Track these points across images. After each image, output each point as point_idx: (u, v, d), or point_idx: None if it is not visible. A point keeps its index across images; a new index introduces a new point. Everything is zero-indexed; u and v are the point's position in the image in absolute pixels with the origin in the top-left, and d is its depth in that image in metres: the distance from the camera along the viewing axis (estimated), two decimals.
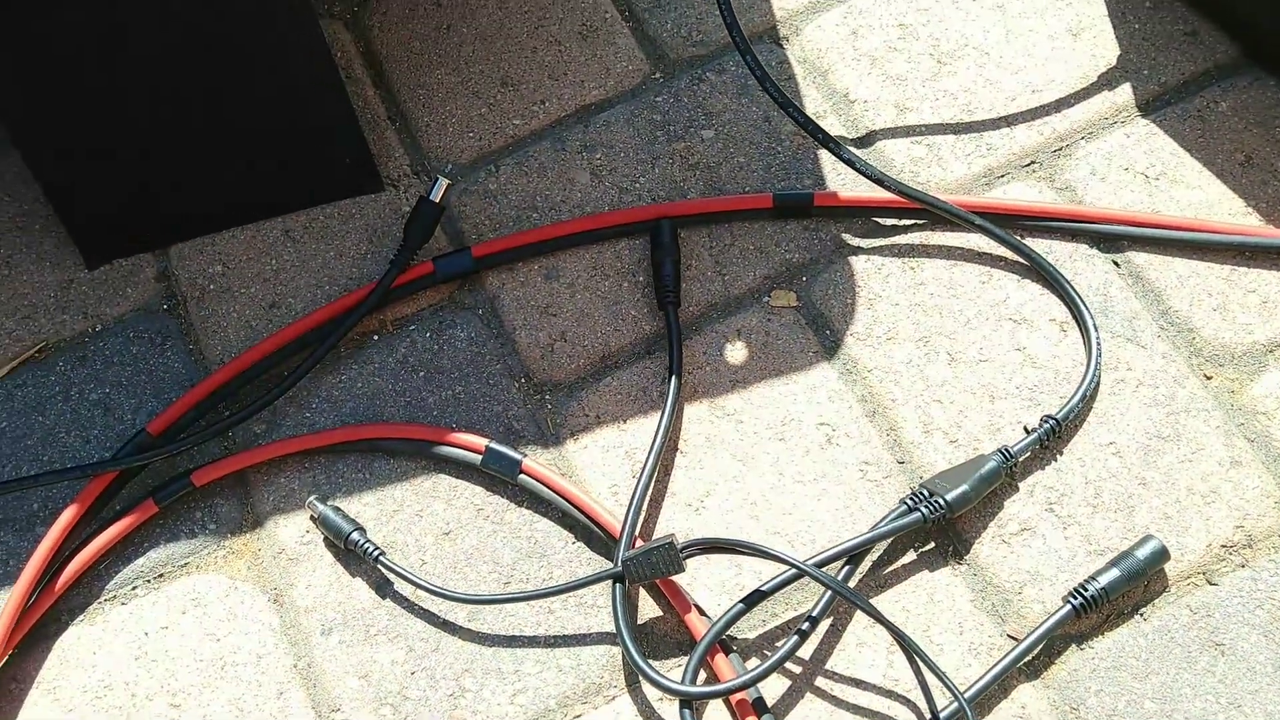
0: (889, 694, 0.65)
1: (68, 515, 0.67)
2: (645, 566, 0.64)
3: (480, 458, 0.71)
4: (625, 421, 0.74)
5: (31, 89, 0.70)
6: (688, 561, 0.65)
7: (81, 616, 0.68)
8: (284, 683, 0.66)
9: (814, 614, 0.64)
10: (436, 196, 0.77)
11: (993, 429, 0.72)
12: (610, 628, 0.67)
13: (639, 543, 0.67)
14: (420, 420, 0.73)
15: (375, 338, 0.77)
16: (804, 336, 0.76)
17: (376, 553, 0.67)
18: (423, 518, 0.71)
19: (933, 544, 0.69)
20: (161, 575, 0.69)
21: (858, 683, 0.65)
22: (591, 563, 0.69)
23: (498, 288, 0.78)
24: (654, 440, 0.70)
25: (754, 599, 0.65)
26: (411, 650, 0.67)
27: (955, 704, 0.61)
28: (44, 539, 0.67)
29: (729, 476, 0.71)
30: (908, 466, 0.71)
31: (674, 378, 0.73)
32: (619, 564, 0.65)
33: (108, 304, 0.79)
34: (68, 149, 0.74)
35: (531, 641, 0.67)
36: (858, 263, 0.78)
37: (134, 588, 0.69)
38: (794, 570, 0.64)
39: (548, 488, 0.70)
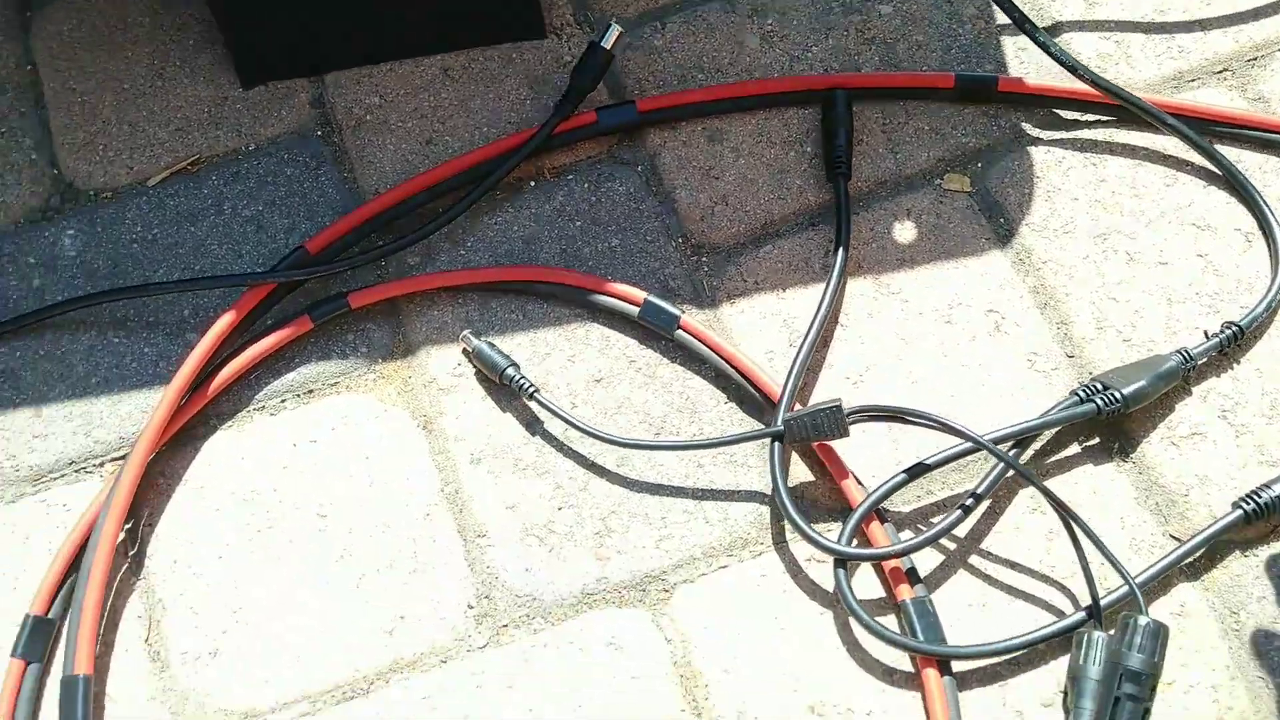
0: (1045, 578, 0.66)
1: (224, 321, 0.69)
2: (808, 427, 0.65)
3: (638, 310, 0.72)
4: (784, 290, 0.74)
5: None
6: (852, 427, 0.66)
7: (230, 422, 0.70)
8: (431, 504, 0.68)
9: (978, 491, 0.65)
10: (608, 43, 0.77)
11: (1169, 332, 0.72)
12: (759, 487, 0.68)
13: (797, 407, 0.68)
14: (574, 268, 0.74)
15: (532, 184, 0.78)
16: (976, 222, 0.76)
17: (532, 388, 0.69)
18: (574, 363, 0.72)
19: (1098, 439, 0.69)
20: (311, 391, 0.71)
21: (1013, 565, 0.66)
22: (743, 423, 0.71)
23: (659, 145, 0.79)
24: (818, 308, 0.71)
25: (916, 470, 0.66)
26: (559, 487, 0.68)
27: (1121, 590, 0.62)
28: (199, 342, 0.69)
29: (890, 354, 0.72)
30: (1076, 361, 0.71)
31: (841, 250, 0.74)
32: (779, 423, 0.66)
33: (261, 124, 0.81)
34: None
35: (679, 492, 0.68)
36: (1037, 153, 0.78)
37: (283, 400, 0.71)
38: (965, 445, 0.65)
39: (705, 345, 0.71)
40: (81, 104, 0.81)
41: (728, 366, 0.70)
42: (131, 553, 0.66)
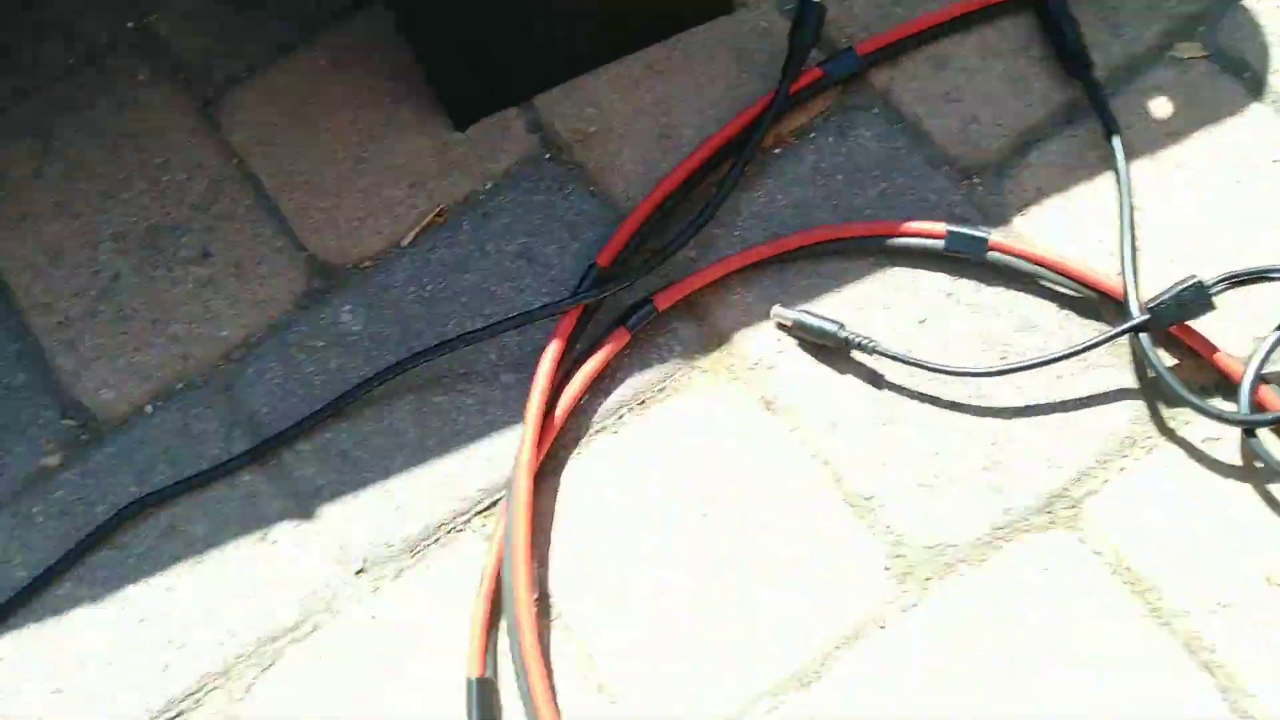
0: None
1: (553, 350, 0.70)
2: (1173, 309, 0.66)
3: (943, 242, 0.72)
4: (1068, 190, 0.75)
5: None
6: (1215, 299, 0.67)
7: (577, 450, 0.71)
8: (806, 481, 0.68)
9: None
10: None
11: None
12: (1125, 385, 0.69)
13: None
14: (855, 220, 0.75)
15: (776, 152, 0.79)
16: (1224, 82, 0.77)
17: (870, 342, 0.69)
18: (892, 310, 0.73)
19: None
20: (643, 402, 0.72)
21: None
22: (1084, 327, 0.71)
23: (886, 84, 0.80)
24: (1120, 196, 0.72)
25: None
26: (927, 430, 0.69)
27: None
28: (537, 376, 0.69)
29: (1197, 226, 0.73)
30: None
31: (1115, 136, 0.74)
32: (1141, 313, 0.67)
33: (489, 161, 0.81)
34: (439, 10, 0.75)
35: (1048, 409, 0.69)
36: (1254, 4, 0.79)
37: (620, 417, 0.72)
38: None
39: (1023, 259, 0.71)
40: (305, 183, 0.81)
41: (1053, 274, 0.71)
42: (534, 597, 0.67)
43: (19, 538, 0.71)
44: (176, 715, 0.67)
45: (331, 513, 0.70)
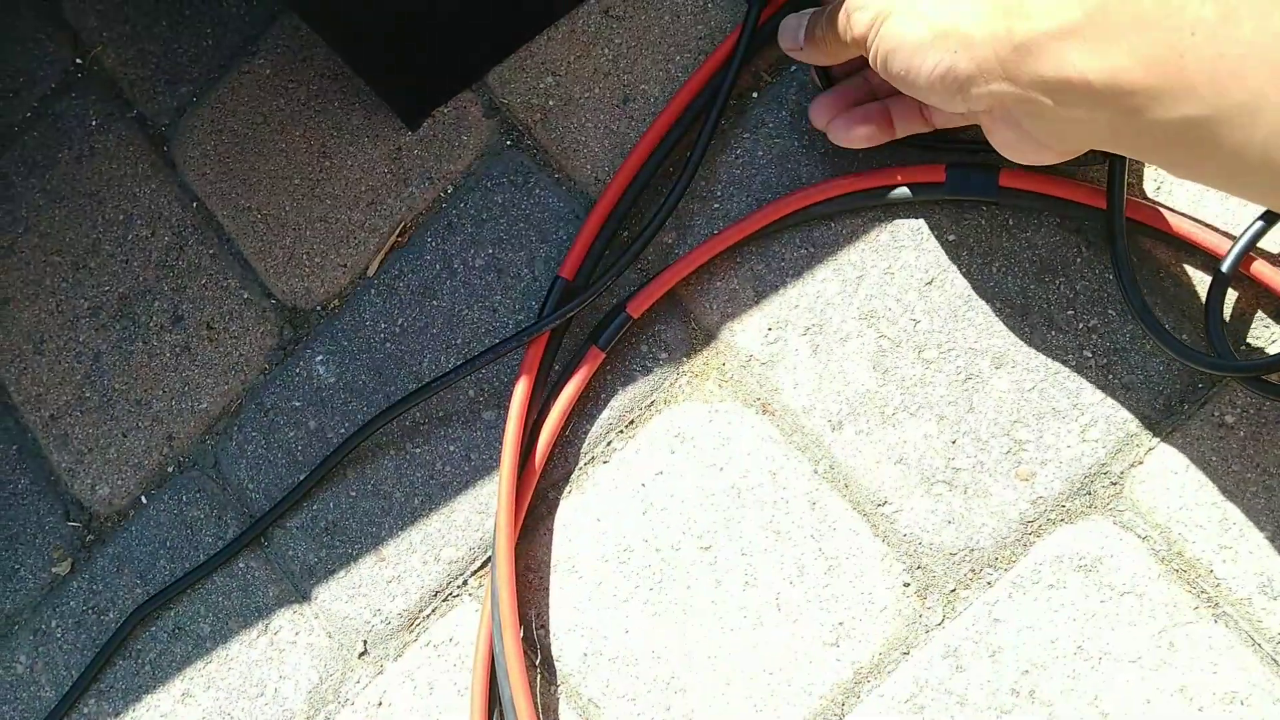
0: None
1: (521, 390, 0.69)
2: None
3: (943, 185, 0.67)
4: None
5: None
6: None
7: (567, 488, 0.70)
8: (811, 491, 0.66)
9: None
10: None
11: None
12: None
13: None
14: (844, 170, 0.70)
15: (755, 95, 0.74)
16: None
17: None
18: (894, 274, 0.68)
19: None
20: (632, 422, 0.70)
21: None
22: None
23: None
24: None
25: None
26: (942, 418, 0.65)
27: None
28: (508, 421, 0.69)
29: None
30: None
31: None
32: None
33: (448, 160, 0.79)
34: (360, 8, 0.73)
35: (1078, 372, 0.64)
36: None
37: (609, 443, 0.70)
38: None
39: (1037, 194, 0.65)
40: (263, 219, 0.81)
41: (1077, 204, 0.65)
42: (538, 662, 0.67)
43: (42, 655, 0.77)
44: None
45: (326, 593, 0.73)
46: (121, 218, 0.85)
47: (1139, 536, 0.61)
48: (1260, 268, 0.60)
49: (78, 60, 0.92)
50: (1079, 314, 0.64)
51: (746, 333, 0.70)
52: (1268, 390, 0.58)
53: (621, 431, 0.71)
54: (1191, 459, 0.61)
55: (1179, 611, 0.60)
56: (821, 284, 0.69)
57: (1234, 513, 0.60)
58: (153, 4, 0.90)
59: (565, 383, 0.70)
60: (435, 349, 0.75)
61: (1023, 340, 0.65)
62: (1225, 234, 0.61)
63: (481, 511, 0.71)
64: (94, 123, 0.89)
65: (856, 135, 0.66)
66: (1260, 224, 0.60)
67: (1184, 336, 0.62)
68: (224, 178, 0.83)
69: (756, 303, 0.70)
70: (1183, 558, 0.60)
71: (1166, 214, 0.62)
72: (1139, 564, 0.61)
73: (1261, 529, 0.59)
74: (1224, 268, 0.60)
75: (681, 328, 0.71)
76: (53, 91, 0.91)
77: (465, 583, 0.71)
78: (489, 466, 0.71)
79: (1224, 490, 0.60)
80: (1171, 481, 0.61)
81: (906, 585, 0.64)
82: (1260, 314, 0.62)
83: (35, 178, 0.89)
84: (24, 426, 0.83)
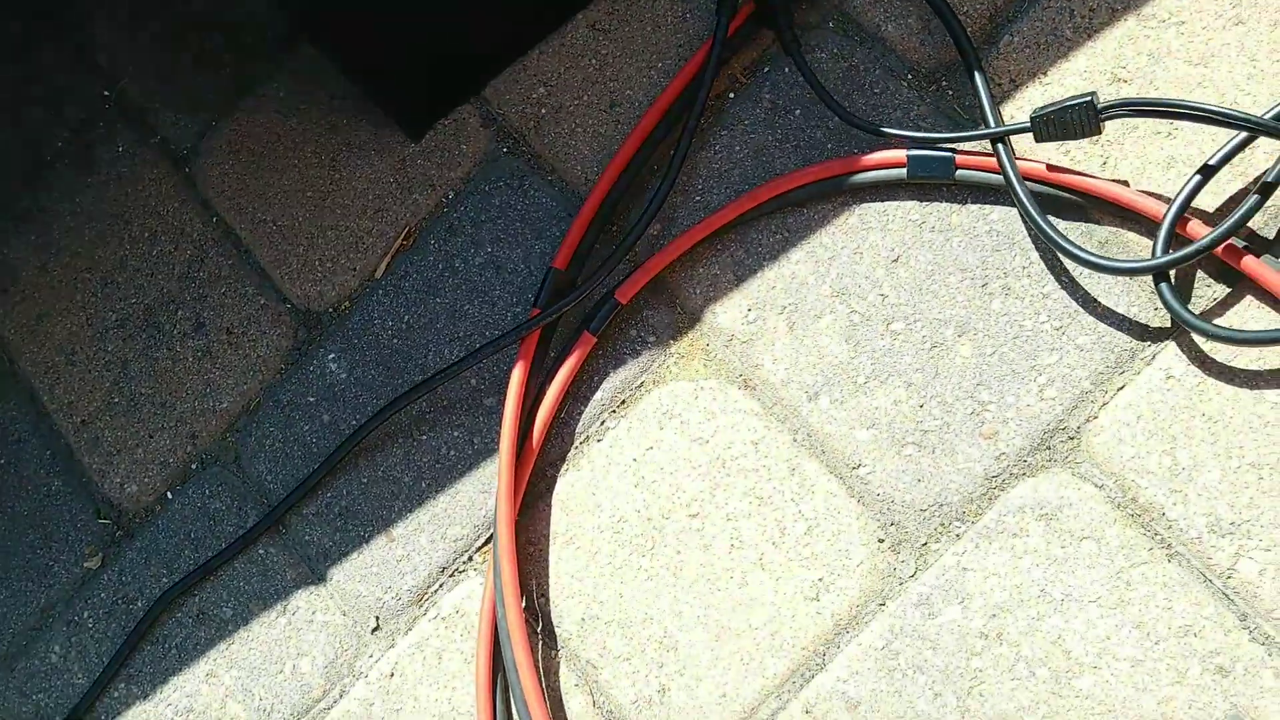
0: None
1: (517, 376, 0.74)
2: (1056, 125, 0.66)
3: (904, 171, 0.72)
4: (1046, 74, 0.73)
5: None
6: (1107, 124, 0.66)
7: (565, 465, 0.76)
8: (791, 458, 0.71)
9: (1270, 178, 0.63)
10: None
11: None
12: (1124, 290, 0.68)
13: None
14: (816, 160, 0.75)
15: (731, 95, 0.79)
16: None
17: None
18: (863, 254, 0.73)
19: None
20: (624, 402, 0.76)
21: None
22: (1070, 230, 0.70)
23: None
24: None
25: (1207, 171, 0.65)
26: (910, 384, 0.70)
27: None
28: (506, 405, 0.74)
29: (1188, 82, 0.70)
30: None
31: None
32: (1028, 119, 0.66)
33: (448, 168, 0.85)
34: (366, 26, 0.79)
35: (1037, 332, 0.69)
36: None
37: (602, 422, 0.76)
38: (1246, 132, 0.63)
39: (992, 174, 0.70)
40: (279, 230, 0.87)
41: (1030, 182, 0.70)
42: (539, 628, 0.73)
43: (75, 644, 0.83)
44: None
45: (341, 573, 0.78)
46: (147, 235, 0.92)
47: (1095, 486, 0.66)
48: None
49: (105, 92, 0.99)
50: (1034, 282, 0.69)
51: (728, 314, 0.75)
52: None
53: (614, 411, 0.76)
54: (1142, 411, 0.66)
55: (1134, 553, 0.64)
56: (796, 266, 0.75)
57: (1183, 458, 0.64)
58: (175, 39, 0.97)
59: (559, 367, 0.75)
60: (440, 342, 0.81)
61: (983, 309, 0.70)
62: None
63: (485, 491, 0.77)
64: (120, 149, 0.96)
65: None
66: None
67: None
68: (241, 193, 0.90)
69: (737, 286, 0.75)
70: (1136, 503, 0.65)
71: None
72: (1096, 511, 0.65)
73: (1208, 472, 0.64)
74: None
75: (667, 312, 0.77)
76: (82, 123, 0.98)
77: (470, 558, 0.76)
78: (491, 449, 0.77)
79: (1173, 438, 0.65)
80: (1124, 433, 0.66)
81: (881, 541, 0.69)
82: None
83: (67, 202, 0.96)
84: (57, 432, 0.89)
